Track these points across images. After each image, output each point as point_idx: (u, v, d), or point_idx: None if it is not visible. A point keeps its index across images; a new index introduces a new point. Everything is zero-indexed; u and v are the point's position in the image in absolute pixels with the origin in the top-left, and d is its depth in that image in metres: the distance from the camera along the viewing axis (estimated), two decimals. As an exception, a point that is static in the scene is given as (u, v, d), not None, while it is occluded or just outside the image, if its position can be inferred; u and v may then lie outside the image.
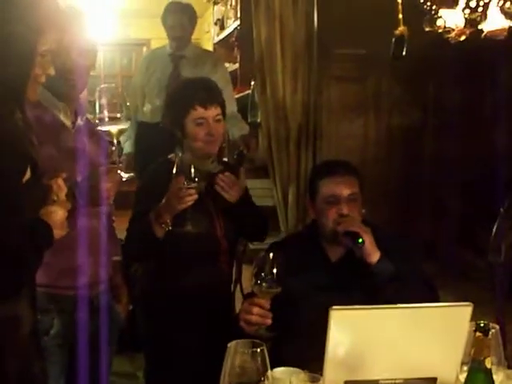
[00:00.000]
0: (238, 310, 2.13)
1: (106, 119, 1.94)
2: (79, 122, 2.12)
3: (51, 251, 1.60)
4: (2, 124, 1.51)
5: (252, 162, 4.31)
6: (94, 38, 2.09)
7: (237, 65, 5.15)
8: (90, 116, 2.20)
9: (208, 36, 6.94)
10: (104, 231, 2.14)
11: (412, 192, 4.47)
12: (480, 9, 2.10)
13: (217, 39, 6.10)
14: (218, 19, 6.03)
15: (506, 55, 3.52)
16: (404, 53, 2.44)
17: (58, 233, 1.61)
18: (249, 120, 4.27)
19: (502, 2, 2.09)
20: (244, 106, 4.31)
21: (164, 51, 4.30)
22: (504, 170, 3.59)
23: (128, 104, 2.04)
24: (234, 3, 5.43)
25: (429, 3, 2.19)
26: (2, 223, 1.45)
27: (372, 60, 4.22)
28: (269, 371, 1.35)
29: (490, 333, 1.33)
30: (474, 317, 1.53)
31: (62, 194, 1.63)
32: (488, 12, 2.11)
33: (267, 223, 2.71)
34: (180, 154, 2.45)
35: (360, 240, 2.11)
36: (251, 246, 2.90)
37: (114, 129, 1.96)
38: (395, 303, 1.63)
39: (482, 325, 1.33)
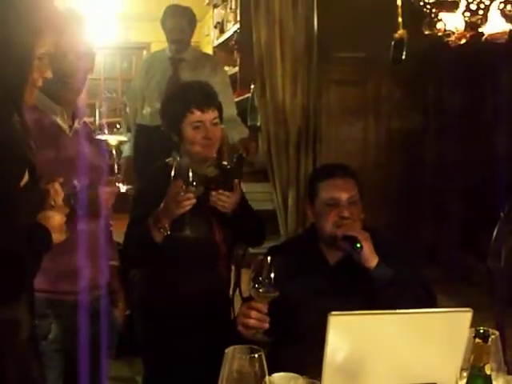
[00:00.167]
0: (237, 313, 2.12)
1: (106, 131, 1.94)
2: (76, 125, 2.11)
3: (49, 256, 1.58)
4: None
5: (251, 166, 4.29)
6: (92, 41, 2.08)
7: (236, 68, 5.14)
8: (88, 120, 2.19)
9: (208, 39, 6.93)
10: (102, 235, 2.13)
11: (413, 196, 4.45)
12: (480, 12, 2.09)
13: (216, 42, 6.09)
14: (218, 22, 6.02)
15: (507, 58, 3.51)
16: (404, 56, 2.43)
17: (57, 237, 1.60)
18: (248, 123, 4.27)
19: (502, 5, 2.08)
20: (243, 110, 4.31)
21: (164, 54, 4.29)
22: (505, 174, 3.58)
23: (127, 110, 2.05)
24: (233, 6, 5.42)
25: (428, 6, 2.18)
26: (0, 227, 1.44)
27: (372, 63, 4.21)
28: (267, 377, 1.33)
29: (490, 339, 1.32)
30: (475, 322, 1.52)
31: (59, 199, 1.62)
32: (488, 15, 2.10)
33: (264, 227, 2.70)
34: (178, 158, 2.44)
35: (358, 245, 2.11)
36: (251, 250, 2.89)
37: (113, 140, 1.96)
38: (393, 308, 1.62)
39: (481, 331, 1.32)
